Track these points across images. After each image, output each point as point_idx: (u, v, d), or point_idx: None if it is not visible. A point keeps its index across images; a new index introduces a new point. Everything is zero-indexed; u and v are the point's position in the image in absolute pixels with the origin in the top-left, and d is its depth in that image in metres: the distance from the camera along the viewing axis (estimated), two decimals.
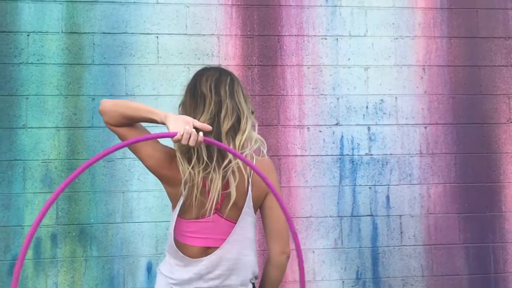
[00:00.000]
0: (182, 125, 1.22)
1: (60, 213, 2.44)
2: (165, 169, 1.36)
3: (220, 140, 1.33)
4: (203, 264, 1.36)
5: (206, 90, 1.38)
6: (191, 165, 1.31)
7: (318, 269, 2.56)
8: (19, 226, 2.41)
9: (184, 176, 1.32)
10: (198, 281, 1.37)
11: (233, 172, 1.34)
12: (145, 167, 1.41)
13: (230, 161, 1.32)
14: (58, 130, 2.47)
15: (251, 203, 1.40)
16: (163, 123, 1.28)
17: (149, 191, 2.47)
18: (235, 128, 1.36)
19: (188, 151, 1.33)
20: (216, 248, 1.37)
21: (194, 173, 1.31)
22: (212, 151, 1.33)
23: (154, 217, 2.46)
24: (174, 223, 1.38)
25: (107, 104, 1.38)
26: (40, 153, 2.45)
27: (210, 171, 1.33)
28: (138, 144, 1.35)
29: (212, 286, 1.37)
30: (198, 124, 1.25)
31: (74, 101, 2.49)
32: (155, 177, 1.43)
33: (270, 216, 1.43)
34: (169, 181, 1.38)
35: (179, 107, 1.45)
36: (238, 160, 1.32)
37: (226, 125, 1.35)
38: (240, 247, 1.39)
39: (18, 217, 2.41)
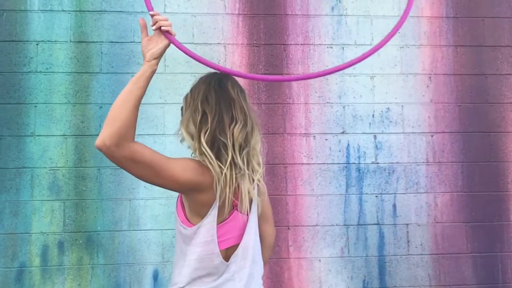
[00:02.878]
0: (153, 37, 1.34)
1: (67, 220, 2.45)
2: (201, 175, 1.33)
3: (248, 152, 1.38)
4: (232, 262, 1.39)
5: (235, 95, 1.41)
6: (226, 167, 1.33)
7: (324, 278, 2.54)
8: (27, 233, 2.42)
9: (215, 171, 1.32)
10: (232, 279, 1.39)
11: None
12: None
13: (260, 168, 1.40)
14: (66, 138, 2.49)
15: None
16: (156, 56, 1.33)
17: (155, 199, 2.47)
18: (255, 140, 1.42)
19: (213, 146, 1.34)
20: (236, 245, 1.40)
21: (227, 174, 1.33)
22: (243, 157, 1.37)
23: (161, 225, 2.47)
24: (215, 230, 1.35)
25: (108, 129, 1.21)
26: (48, 161, 2.46)
27: (243, 174, 1.37)
28: (168, 168, 1.29)
29: (243, 277, 1.40)
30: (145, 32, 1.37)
31: (82, 109, 2.51)
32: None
33: (261, 201, 1.51)
34: (205, 186, 1.34)
35: (201, 102, 1.40)
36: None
37: (255, 136, 1.41)
38: (254, 234, 1.44)
39: (26, 224, 2.42)
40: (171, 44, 1.40)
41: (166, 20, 1.32)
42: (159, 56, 1.32)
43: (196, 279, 1.37)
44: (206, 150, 1.33)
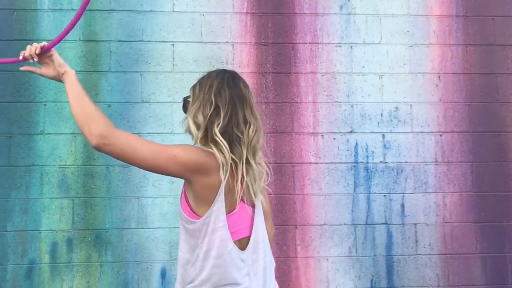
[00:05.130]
0: (43, 63, 1.47)
1: (76, 218, 2.47)
2: (205, 156, 1.35)
3: (260, 156, 1.45)
4: (246, 255, 1.40)
5: (246, 94, 1.45)
6: (241, 162, 1.37)
7: (332, 277, 2.54)
8: (36, 230, 2.44)
9: (225, 157, 1.34)
10: (248, 274, 1.40)
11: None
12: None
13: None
14: (75, 136, 2.50)
15: None
16: (63, 64, 1.46)
17: (163, 197, 2.48)
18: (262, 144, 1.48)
19: (223, 138, 1.36)
20: (247, 237, 1.41)
21: (239, 168, 1.37)
22: (257, 159, 1.43)
23: (169, 223, 2.48)
24: (225, 215, 1.37)
25: (92, 125, 1.30)
26: (57, 159, 2.48)
27: (253, 171, 1.41)
28: (165, 148, 1.34)
29: (259, 271, 1.42)
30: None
31: None
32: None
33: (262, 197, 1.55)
34: (210, 168, 1.35)
35: (214, 96, 1.42)
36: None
37: (263, 132, 1.47)
38: (262, 227, 1.46)
39: (35, 221, 2.44)
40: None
41: (30, 47, 1.45)
42: (63, 62, 1.46)
43: (213, 268, 1.36)
44: (219, 138, 1.35)
